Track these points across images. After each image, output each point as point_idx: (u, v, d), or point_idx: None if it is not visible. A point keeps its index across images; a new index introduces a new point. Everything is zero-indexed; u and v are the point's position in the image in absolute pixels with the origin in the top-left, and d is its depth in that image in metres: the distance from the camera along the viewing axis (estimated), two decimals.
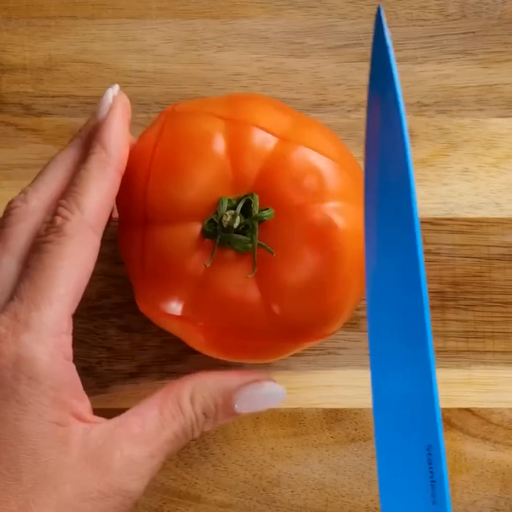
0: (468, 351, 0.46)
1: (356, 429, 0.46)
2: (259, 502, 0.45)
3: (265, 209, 0.37)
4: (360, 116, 0.46)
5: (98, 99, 0.45)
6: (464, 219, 0.46)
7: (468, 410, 0.46)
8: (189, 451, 0.46)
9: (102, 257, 0.45)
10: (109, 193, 0.38)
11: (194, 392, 0.38)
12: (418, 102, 0.46)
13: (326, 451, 0.46)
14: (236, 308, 0.38)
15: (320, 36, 0.46)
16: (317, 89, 0.46)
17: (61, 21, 0.46)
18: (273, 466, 0.46)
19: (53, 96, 0.46)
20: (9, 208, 0.38)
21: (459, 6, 0.46)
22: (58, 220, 0.37)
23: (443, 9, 0.46)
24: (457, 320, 0.46)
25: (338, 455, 0.46)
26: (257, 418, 0.46)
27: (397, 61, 0.46)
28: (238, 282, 0.38)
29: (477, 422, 0.46)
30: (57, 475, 0.35)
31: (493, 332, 0.45)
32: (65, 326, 0.36)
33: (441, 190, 0.45)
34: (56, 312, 0.35)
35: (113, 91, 0.40)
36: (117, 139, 0.38)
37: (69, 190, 0.38)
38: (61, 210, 0.37)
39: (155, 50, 0.46)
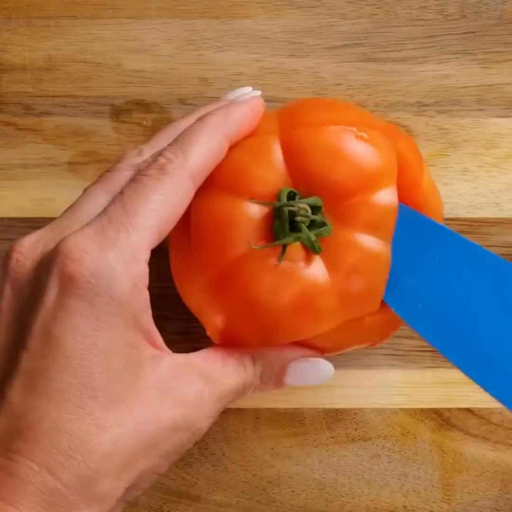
0: None
1: (356, 429, 0.46)
2: (259, 502, 0.45)
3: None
4: None
5: (98, 99, 0.45)
6: (464, 219, 0.46)
7: (468, 410, 0.46)
8: (189, 451, 0.45)
9: None
10: (214, 155, 0.38)
11: (255, 356, 0.39)
12: (418, 102, 0.46)
13: (326, 451, 0.46)
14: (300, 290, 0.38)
15: (320, 36, 0.46)
16: (317, 89, 0.46)
17: (61, 21, 0.46)
18: (273, 466, 0.46)
19: (53, 96, 0.46)
20: (123, 158, 0.39)
21: (459, 6, 0.46)
22: (161, 159, 0.37)
23: (443, 9, 0.46)
24: None
25: (338, 455, 0.46)
26: (257, 418, 0.46)
27: (397, 61, 0.46)
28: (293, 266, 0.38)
29: (477, 422, 0.46)
30: (132, 397, 0.34)
31: None
32: (146, 254, 0.35)
33: (441, 190, 0.45)
34: (143, 239, 0.35)
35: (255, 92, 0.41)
36: (240, 118, 0.38)
37: (177, 139, 0.38)
38: (166, 152, 0.37)
39: (155, 50, 0.46)
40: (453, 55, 0.46)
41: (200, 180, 0.37)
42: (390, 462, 0.46)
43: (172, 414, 0.35)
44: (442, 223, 0.41)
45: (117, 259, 0.34)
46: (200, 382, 0.36)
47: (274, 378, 0.39)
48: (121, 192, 0.36)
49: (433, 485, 0.46)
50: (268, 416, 0.46)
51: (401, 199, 0.38)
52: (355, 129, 0.38)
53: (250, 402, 0.46)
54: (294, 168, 0.38)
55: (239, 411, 0.46)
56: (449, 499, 0.46)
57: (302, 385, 0.40)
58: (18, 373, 0.34)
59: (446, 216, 0.45)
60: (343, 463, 0.46)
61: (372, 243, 0.38)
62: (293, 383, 0.40)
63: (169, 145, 0.38)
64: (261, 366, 0.39)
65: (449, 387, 0.46)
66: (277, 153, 0.38)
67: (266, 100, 0.45)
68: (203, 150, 0.37)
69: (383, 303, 0.39)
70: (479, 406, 0.46)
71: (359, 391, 0.46)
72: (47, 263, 0.35)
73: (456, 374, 0.45)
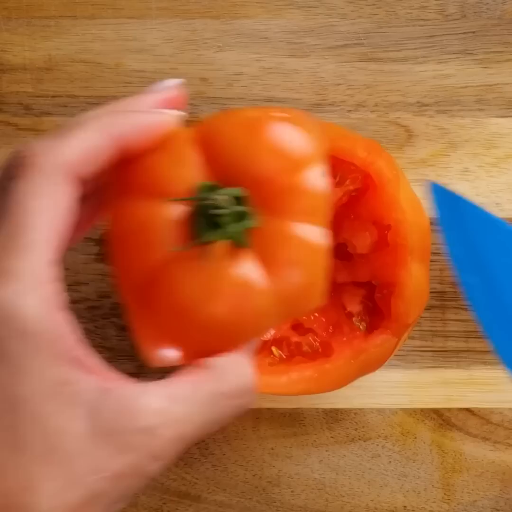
0: (468, 351, 0.46)
1: (356, 429, 0.46)
2: (259, 502, 0.45)
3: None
4: (360, 116, 0.46)
5: (98, 99, 0.45)
6: None
7: (468, 410, 0.46)
8: (189, 451, 0.46)
9: (101, 257, 0.45)
10: (101, 149, 0.33)
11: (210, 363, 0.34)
12: (418, 102, 0.46)
13: (326, 451, 0.46)
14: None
15: (320, 36, 0.46)
16: (317, 89, 0.46)
17: (61, 21, 0.46)
18: (273, 466, 0.46)
19: (53, 96, 0.46)
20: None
21: (459, 6, 0.46)
22: (27, 152, 0.32)
23: (443, 9, 0.46)
24: (457, 320, 0.46)
25: (338, 455, 0.46)
26: (257, 418, 0.46)
27: (397, 61, 0.46)
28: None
29: (477, 422, 0.46)
30: (66, 445, 0.30)
31: None
32: (50, 272, 0.31)
33: None
34: (37, 258, 0.31)
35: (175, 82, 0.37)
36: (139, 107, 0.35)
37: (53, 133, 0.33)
38: (33, 145, 0.32)
39: (155, 50, 0.46)
40: (453, 55, 0.46)
41: (83, 176, 0.33)
42: (390, 462, 0.46)
43: (116, 462, 0.30)
44: (428, 237, 0.41)
45: (15, 292, 0.30)
46: (154, 418, 0.31)
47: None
48: None
49: (433, 485, 0.46)
50: (268, 416, 0.46)
51: (378, 216, 0.38)
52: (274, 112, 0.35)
53: None
54: (212, 160, 0.34)
55: None
56: (449, 499, 0.46)
57: None
58: None
59: None
60: (343, 463, 0.46)
61: (307, 231, 0.34)
62: None
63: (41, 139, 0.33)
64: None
65: (449, 387, 0.46)
66: (191, 147, 0.35)
67: (266, 100, 0.46)
68: (85, 140, 0.32)
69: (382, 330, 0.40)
70: (479, 406, 0.46)
71: (359, 391, 0.46)
72: None
73: (456, 374, 0.46)
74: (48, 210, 0.31)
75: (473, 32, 0.46)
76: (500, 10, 0.46)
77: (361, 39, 0.46)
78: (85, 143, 0.32)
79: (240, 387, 0.34)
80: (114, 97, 0.45)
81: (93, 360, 0.31)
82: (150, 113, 0.35)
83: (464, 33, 0.46)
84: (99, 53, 0.46)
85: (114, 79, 0.46)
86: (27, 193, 0.31)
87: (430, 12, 0.46)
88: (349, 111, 0.46)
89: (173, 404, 0.32)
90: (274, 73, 0.46)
